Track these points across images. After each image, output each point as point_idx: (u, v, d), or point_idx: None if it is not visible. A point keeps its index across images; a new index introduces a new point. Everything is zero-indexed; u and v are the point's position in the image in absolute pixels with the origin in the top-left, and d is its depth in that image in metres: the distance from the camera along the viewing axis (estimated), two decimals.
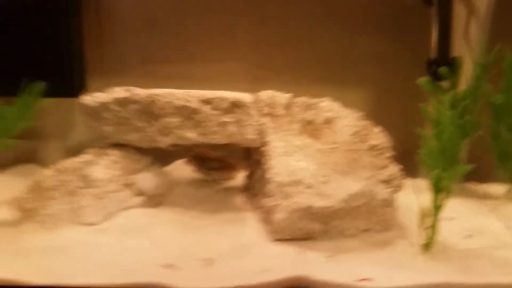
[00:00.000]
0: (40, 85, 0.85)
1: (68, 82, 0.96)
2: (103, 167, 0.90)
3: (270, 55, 1.18)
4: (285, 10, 1.16)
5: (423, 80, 1.03)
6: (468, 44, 1.11)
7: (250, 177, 1.02)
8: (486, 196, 1.07)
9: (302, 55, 1.17)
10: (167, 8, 1.15)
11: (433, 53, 1.01)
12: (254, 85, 1.18)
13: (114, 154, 0.93)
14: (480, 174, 1.13)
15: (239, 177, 1.09)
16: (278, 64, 1.18)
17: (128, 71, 1.15)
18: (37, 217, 0.86)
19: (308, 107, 0.95)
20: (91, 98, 0.91)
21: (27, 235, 0.84)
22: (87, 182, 0.89)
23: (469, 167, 0.81)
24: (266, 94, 0.95)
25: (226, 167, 1.03)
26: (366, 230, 0.87)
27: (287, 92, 1.01)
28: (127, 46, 1.14)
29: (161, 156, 1.01)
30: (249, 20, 1.17)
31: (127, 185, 0.93)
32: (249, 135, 0.87)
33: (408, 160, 1.00)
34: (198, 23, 1.16)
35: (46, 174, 0.90)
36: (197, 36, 1.16)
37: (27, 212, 0.87)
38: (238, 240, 0.84)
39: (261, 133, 0.89)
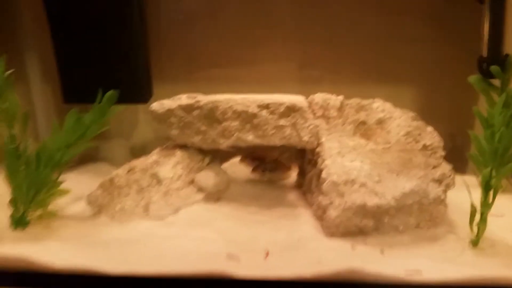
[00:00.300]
0: (114, 94, 0.94)
1: (138, 90, 1.04)
2: (170, 166, 0.99)
3: (320, 55, 1.21)
4: (335, 8, 1.18)
5: (474, 78, 1.04)
6: None
7: (302, 175, 1.07)
8: None
9: (352, 54, 1.20)
10: (221, 12, 1.21)
11: (484, 51, 1.01)
12: (304, 85, 1.24)
13: (179, 155, 1.01)
14: None
15: (293, 176, 1.15)
16: (328, 64, 1.21)
17: (189, 77, 1.22)
18: (111, 212, 0.96)
19: (361, 108, 0.99)
20: (159, 105, 0.99)
21: (103, 228, 0.93)
22: (156, 180, 0.98)
23: None
24: (319, 97, 1.00)
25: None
26: (417, 226, 0.91)
27: (338, 92, 1.05)
28: (184, 54, 1.21)
29: (218, 154, 1.08)
30: (299, 20, 1.20)
31: (190, 183, 1.01)
32: (304, 137, 0.92)
33: (458, 156, 1.03)
34: (250, 26, 1.21)
35: (119, 173, 0.99)
36: (250, 39, 1.21)
37: (102, 207, 0.97)
38: (294, 235, 0.90)
39: (316, 134, 0.94)
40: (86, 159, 1.25)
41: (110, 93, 0.93)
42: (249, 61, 1.22)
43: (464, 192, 0.97)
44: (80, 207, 1.00)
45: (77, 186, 1.05)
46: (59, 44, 1.04)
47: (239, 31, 1.20)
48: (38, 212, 0.93)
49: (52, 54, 1.08)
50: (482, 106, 0.98)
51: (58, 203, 0.97)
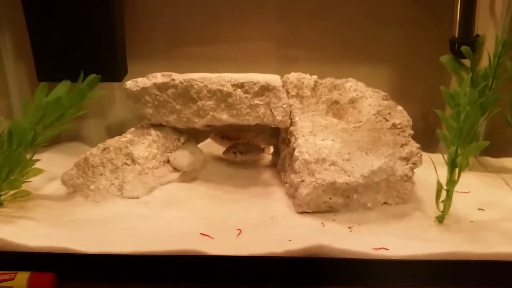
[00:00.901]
0: (96, 78, 0.93)
1: (113, 68, 1.03)
2: (145, 145, 0.99)
3: (298, 34, 1.21)
4: None
5: (446, 58, 1.06)
6: (492, 22, 1.12)
7: (276, 154, 1.09)
8: (503, 170, 1.12)
9: (330, 34, 1.20)
10: None
11: (456, 31, 1.03)
12: (282, 64, 1.24)
13: (154, 134, 1.01)
14: (498, 148, 1.17)
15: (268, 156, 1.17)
16: (306, 43, 1.21)
17: (164, 55, 1.21)
18: (85, 191, 0.96)
19: (334, 87, 1.00)
20: (133, 84, 0.98)
21: (78, 207, 0.94)
22: (131, 159, 0.98)
23: (485, 143, 0.86)
24: (293, 76, 1.01)
25: (254, 150, 1.08)
26: (384, 203, 0.94)
27: (315, 71, 1.05)
28: (161, 31, 1.20)
29: (194, 133, 1.08)
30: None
31: (166, 162, 1.02)
32: (278, 117, 0.93)
33: (430, 136, 1.05)
34: (229, 3, 1.19)
35: (94, 152, 0.99)
36: (227, 16, 1.20)
37: (77, 187, 0.97)
38: (267, 213, 0.92)
39: (289, 114, 0.95)
40: (62, 138, 1.24)
41: (92, 76, 0.93)
42: (227, 40, 1.21)
43: (433, 170, 1.00)
44: (54, 187, 1.00)
45: (51, 165, 1.06)
46: (33, 21, 1.02)
47: (218, 8, 1.18)
48: (12, 192, 0.93)
49: (26, 31, 1.06)
50: (454, 86, 1.00)
51: (32, 183, 0.96)
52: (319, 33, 1.21)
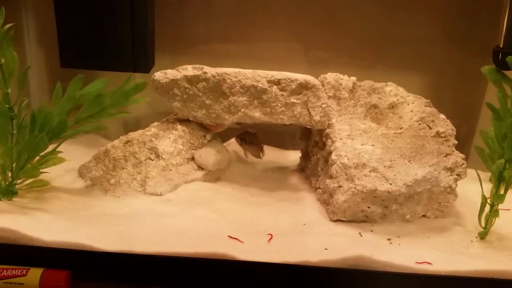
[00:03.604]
0: (144, 84, 0.89)
1: (142, 59, 0.98)
2: (170, 140, 0.94)
3: (330, 37, 1.17)
4: None
5: (488, 68, 1.02)
6: None
7: (306, 158, 1.04)
8: None
9: (362, 39, 1.16)
10: None
11: (502, 41, 0.99)
12: (311, 67, 1.19)
13: (180, 129, 0.96)
14: None
15: (292, 157, 1.12)
16: (336, 46, 1.17)
17: (191, 50, 1.16)
18: (105, 185, 0.91)
19: (373, 91, 0.96)
20: (162, 75, 0.93)
21: (96, 201, 0.88)
22: (155, 154, 0.93)
23: None
24: (331, 77, 0.96)
25: (256, 145, 1.02)
26: (423, 216, 0.88)
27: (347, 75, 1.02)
28: (190, 26, 1.16)
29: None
30: (312, 1, 1.16)
31: (190, 159, 0.97)
32: (316, 117, 0.88)
33: (460, 150, 1.01)
34: (261, 2, 1.16)
35: (116, 145, 0.94)
36: (257, 16, 1.16)
37: (95, 180, 0.92)
38: (298, 219, 0.87)
39: (328, 115, 0.90)
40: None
41: (139, 82, 0.89)
42: (255, 39, 1.17)
43: (469, 185, 0.95)
44: (72, 179, 0.95)
45: (68, 157, 0.99)
46: (61, 6, 0.97)
47: (249, 7, 1.14)
48: (28, 181, 0.87)
49: (50, 15, 1.01)
50: (489, 100, 0.96)
51: (49, 175, 0.91)
52: (350, 37, 1.17)
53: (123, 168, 0.92)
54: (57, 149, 0.88)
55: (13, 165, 0.83)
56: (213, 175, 0.98)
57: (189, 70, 0.92)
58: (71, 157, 1.02)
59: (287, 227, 0.84)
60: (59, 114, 0.82)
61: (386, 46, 1.17)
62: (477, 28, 1.15)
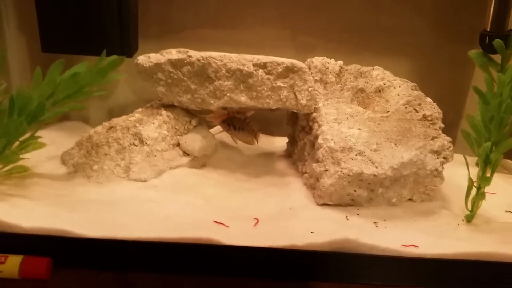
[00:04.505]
0: (121, 59, 0.86)
1: (123, 42, 0.96)
2: (155, 126, 0.92)
3: (318, 23, 1.16)
4: None
5: (475, 52, 1.01)
6: None
7: (292, 144, 1.03)
8: None
9: (349, 24, 1.15)
10: None
11: (489, 24, 0.98)
12: (299, 52, 1.18)
13: (165, 114, 0.94)
14: None
15: (279, 143, 1.11)
16: (323, 32, 1.16)
17: (176, 36, 1.14)
18: (89, 172, 0.89)
19: (360, 74, 0.95)
20: (146, 59, 0.91)
21: (79, 188, 0.86)
22: (139, 140, 0.91)
23: None
24: (318, 60, 0.95)
25: (247, 130, 1.00)
26: (409, 200, 0.88)
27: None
28: (176, 10, 1.13)
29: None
30: None
31: (176, 145, 0.95)
32: (302, 100, 0.87)
33: (448, 133, 1.01)
34: None
35: (98, 131, 0.92)
36: (246, 1, 1.14)
37: (78, 167, 0.90)
38: (285, 203, 0.86)
39: (314, 98, 0.89)
40: (61, 117, 1.16)
41: (115, 58, 0.86)
42: (243, 25, 1.15)
43: (456, 169, 0.95)
44: (54, 166, 0.93)
45: (50, 144, 0.97)
46: None
47: None
48: (8, 167, 0.85)
49: (30, 1, 0.99)
50: (476, 84, 0.95)
51: (29, 161, 0.89)
52: (338, 23, 1.16)
53: (106, 154, 0.90)
54: (41, 137, 0.85)
55: None
56: (199, 161, 0.96)
57: (173, 53, 0.90)
58: (54, 144, 1.00)
59: (273, 212, 0.83)
60: (38, 97, 0.80)
61: (374, 31, 1.16)
62: (465, 13, 1.14)
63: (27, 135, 0.84)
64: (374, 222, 0.81)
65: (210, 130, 1.03)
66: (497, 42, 0.95)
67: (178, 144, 0.95)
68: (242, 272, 0.73)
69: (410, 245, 0.74)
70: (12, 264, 0.69)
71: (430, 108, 0.88)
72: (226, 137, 1.08)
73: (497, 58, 1.01)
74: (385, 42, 1.16)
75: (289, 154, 1.04)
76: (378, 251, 0.73)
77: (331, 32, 1.15)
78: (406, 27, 1.16)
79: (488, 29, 0.99)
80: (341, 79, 0.93)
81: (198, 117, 0.98)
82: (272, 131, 1.18)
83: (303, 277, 0.73)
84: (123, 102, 1.22)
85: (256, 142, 1.00)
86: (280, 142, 1.10)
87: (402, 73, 1.16)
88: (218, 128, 1.07)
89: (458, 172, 0.93)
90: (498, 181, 1.01)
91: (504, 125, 0.77)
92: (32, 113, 0.80)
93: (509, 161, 1.13)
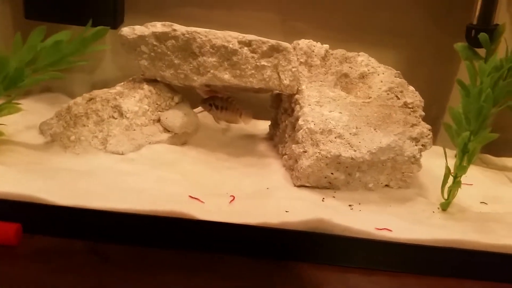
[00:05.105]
0: (105, 30, 0.85)
1: (109, 14, 0.94)
2: (135, 100, 0.91)
3: (306, 9, 1.15)
4: None
5: (460, 45, 1.02)
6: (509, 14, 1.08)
7: (275, 126, 1.02)
8: (505, 169, 1.08)
9: (339, 12, 1.15)
10: None
11: (475, 18, 0.99)
12: (288, 37, 1.17)
13: (147, 89, 0.93)
14: (499, 148, 1.14)
15: (262, 126, 1.11)
16: (313, 18, 1.15)
17: (164, 13, 1.12)
18: (65, 142, 0.88)
19: (345, 60, 0.94)
20: (131, 31, 0.90)
21: (54, 157, 0.85)
22: (118, 112, 0.90)
23: (496, 135, 0.82)
24: (304, 43, 0.95)
25: (231, 110, 0.99)
26: (386, 186, 0.88)
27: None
28: None
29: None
30: None
31: (156, 121, 0.94)
32: (285, 81, 0.86)
33: (431, 126, 1.01)
34: None
35: (78, 102, 0.90)
36: None
37: (55, 136, 0.88)
38: (262, 183, 0.86)
39: (298, 79, 0.88)
40: (42, 89, 1.15)
41: (100, 28, 0.85)
42: (232, 6, 1.14)
43: (434, 159, 0.96)
44: (32, 136, 0.92)
45: (29, 115, 0.97)
46: None
47: None
48: None
49: None
50: (461, 77, 0.96)
51: (8, 130, 0.87)
52: (328, 10, 1.16)
53: (84, 126, 0.89)
54: (19, 104, 0.84)
55: None
56: (180, 139, 0.96)
57: (158, 26, 0.89)
58: (34, 114, 0.99)
59: (250, 191, 0.83)
60: (17, 62, 0.78)
61: (363, 20, 1.16)
62: (454, 6, 1.14)
63: (5, 100, 0.83)
64: (349, 205, 0.81)
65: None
66: (483, 36, 0.96)
67: (159, 120, 0.94)
68: (215, 248, 0.73)
69: (383, 229, 0.74)
70: None
71: (412, 96, 0.88)
72: (208, 117, 1.07)
73: (482, 52, 1.03)
74: (374, 33, 1.16)
75: (271, 137, 1.03)
76: (351, 232, 0.73)
77: (321, 19, 1.15)
78: (395, 19, 1.16)
79: (475, 23, 0.99)
80: (326, 63, 0.93)
81: (180, 94, 0.97)
82: (256, 115, 1.17)
83: (276, 256, 0.73)
84: (107, 77, 1.20)
85: (241, 121, 0.99)
86: (264, 126, 1.10)
87: (389, 64, 1.16)
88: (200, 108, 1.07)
89: (437, 163, 0.93)
90: (476, 173, 1.03)
91: (484, 115, 0.77)
92: (10, 78, 0.78)
93: (488, 155, 1.14)
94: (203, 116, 1.04)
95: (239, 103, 0.99)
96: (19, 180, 0.75)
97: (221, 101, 0.98)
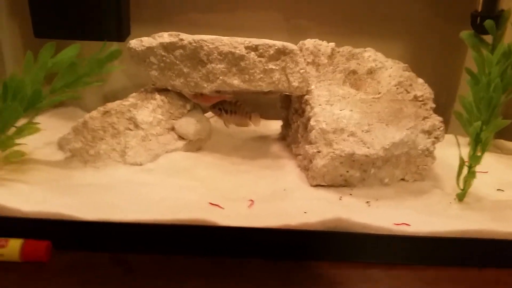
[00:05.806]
0: (119, 51, 0.86)
1: (116, 26, 0.96)
2: (149, 110, 0.93)
3: (308, 6, 1.15)
4: None
5: (466, 33, 1.01)
6: None
7: (286, 126, 1.04)
8: None
9: (342, 7, 1.15)
10: None
11: (480, 4, 0.98)
12: (292, 35, 1.18)
13: (159, 99, 0.95)
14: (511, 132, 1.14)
15: (273, 126, 1.12)
16: (316, 15, 1.16)
17: (169, 20, 1.14)
18: (85, 157, 0.90)
19: (352, 56, 0.95)
20: (139, 43, 0.92)
21: (76, 172, 0.87)
22: (134, 124, 0.92)
23: (508, 122, 0.82)
24: (310, 43, 0.95)
25: (240, 113, 1.00)
26: (402, 180, 0.89)
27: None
28: None
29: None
30: None
31: (170, 129, 0.96)
32: (294, 83, 0.87)
33: (442, 115, 1.01)
34: None
35: (93, 116, 0.92)
36: None
37: (75, 152, 0.90)
38: (279, 185, 0.87)
39: (306, 80, 0.89)
40: (57, 103, 1.16)
41: (114, 49, 0.87)
42: (235, 8, 1.15)
43: (448, 149, 0.96)
44: (51, 152, 0.94)
45: (46, 130, 0.98)
46: None
47: None
48: (4, 153, 0.86)
49: None
50: (468, 66, 0.96)
51: (28, 148, 0.90)
52: (331, 6, 1.16)
53: (102, 139, 0.91)
54: (38, 123, 0.86)
55: None
56: (194, 145, 0.97)
57: (165, 37, 0.90)
58: (51, 130, 1.01)
59: (267, 193, 0.84)
60: (32, 83, 0.81)
61: (367, 14, 1.16)
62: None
63: (24, 121, 0.85)
64: (367, 202, 0.82)
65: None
66: (488, 23, 0.95)
67: (173, 128, 0.96)
68: (238, 253, 0.74)
69: (402, 224, 0.76)
70: (12, 247, 0.71)
71: (421, 88, 0.89)
72: (219, 122, 1.09)
73: (489, 39, 1.02)
74: (378, 25, 1.17)
75: (283, 137, 1.05)
76: (371, 229, 0.75)
77: (325, 15, 1.15)
78: (399, 10, 1.15)
79: (480, 10, 0.99)
80: (333, 61, 0.94)
81: (192, 101, 0.99)
82: (266, 115, 1.18)
83: (297, 257, 0.74)
84: (117, 88, 1.22)
85: (250, 124, 1.01)
86: (275, 126, 1.11)
87: (395, 56, 1.17)
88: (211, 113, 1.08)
89: (451, 152, 0.94)
90: (490, 160, 1.03)
91: (494, 104, 0.77)
92: (28, 99, 0.81)
93: (502, 140, 1.14)
94: (214, 121, 1.06)
95: (247, 106, 1.01)
96: (45, 199, 0.77)
97: (229, 105, 1.00)
